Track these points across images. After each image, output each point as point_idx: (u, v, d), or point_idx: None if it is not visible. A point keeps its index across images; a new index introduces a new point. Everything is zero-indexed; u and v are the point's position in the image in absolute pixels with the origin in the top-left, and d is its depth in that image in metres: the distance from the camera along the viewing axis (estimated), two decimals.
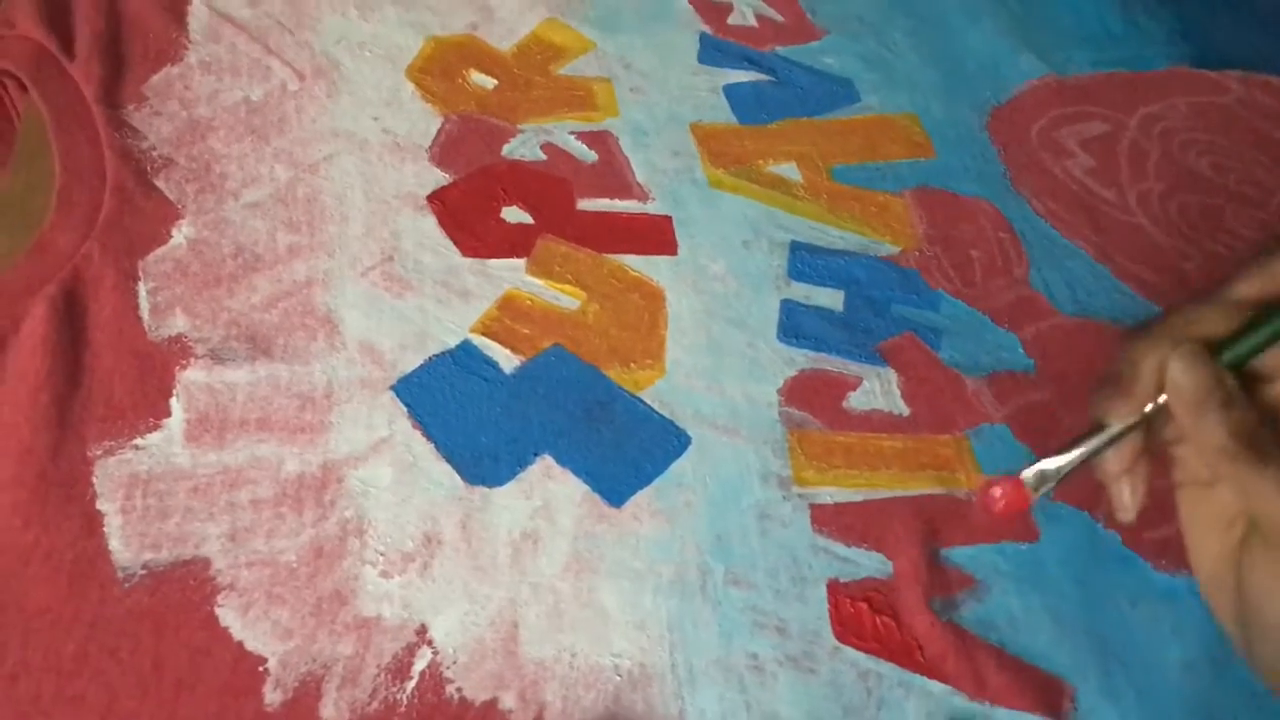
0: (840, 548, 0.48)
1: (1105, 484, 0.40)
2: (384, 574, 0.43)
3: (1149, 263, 0.62)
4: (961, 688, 0.45)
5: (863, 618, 0.46)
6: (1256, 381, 0.39)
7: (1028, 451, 0.52)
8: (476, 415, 0.48)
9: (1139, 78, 0.73)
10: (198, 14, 0.60)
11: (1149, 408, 0.38)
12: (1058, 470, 0.39)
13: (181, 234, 0.51)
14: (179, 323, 0.48)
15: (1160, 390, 0.38)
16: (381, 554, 0.44)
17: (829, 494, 0.49)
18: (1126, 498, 0.39)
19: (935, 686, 0.45)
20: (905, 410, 0.53)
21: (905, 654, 0.45)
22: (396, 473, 0.46)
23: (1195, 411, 0.36)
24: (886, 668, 0.45)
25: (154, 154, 0.53)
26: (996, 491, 0.40)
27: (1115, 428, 0.38)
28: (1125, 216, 0.64)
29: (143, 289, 0.49)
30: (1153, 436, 0.39)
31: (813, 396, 0.52)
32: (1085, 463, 0.39)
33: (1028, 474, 0.39)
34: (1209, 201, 0.66)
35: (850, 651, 0.45)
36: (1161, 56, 0.76)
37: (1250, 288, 0.38)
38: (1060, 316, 0.58)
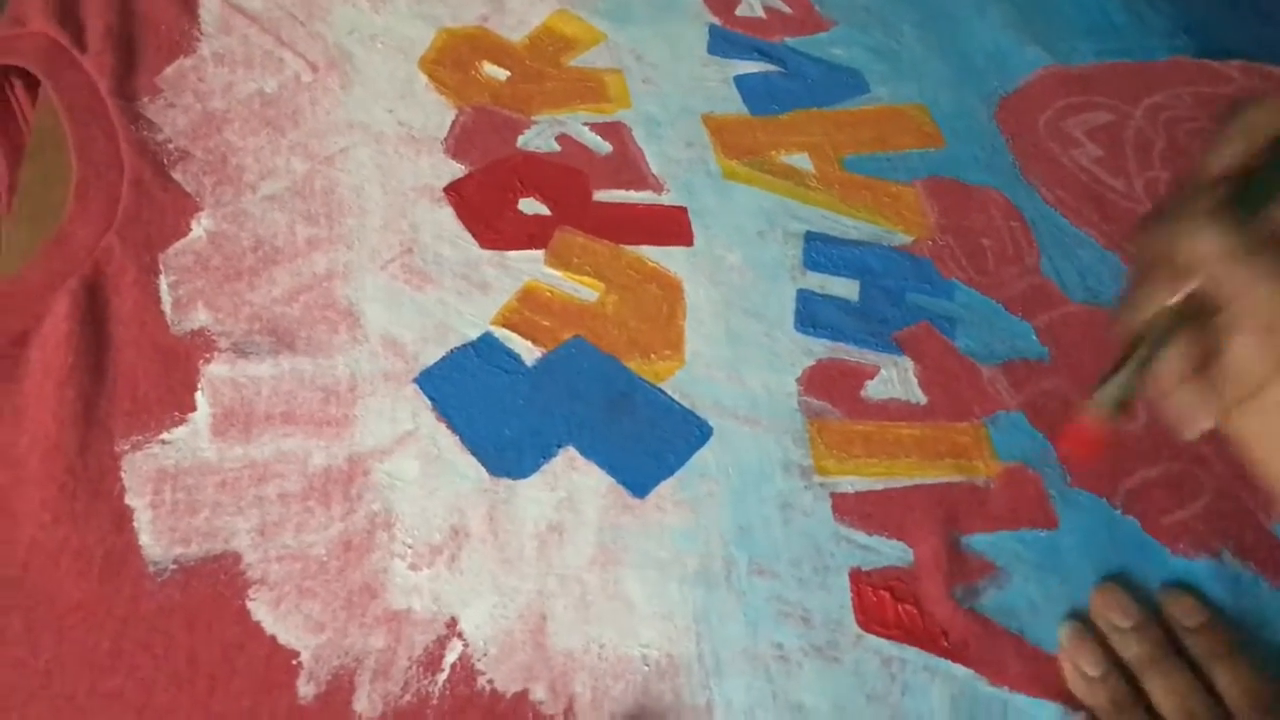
0: (862, 536, 0.48)
1: (1166, 400, 0.37)
2: (413, 566, 0.44)
3: None
4: (983, 673, 0.45)
5: (885, 606, 0.47)
6: None
7: (1044, 439, 0.53)
8: (499, 407, 0.48)
9: (1142, 68, 0.74)
10: (209, 6, 0.60)
11: (1181, 294, 0.36)
12: (1124, 387, 0.38)
13: (201, 227, 0.51)
14: (201, 316, 0.48)
15: (1185, 272, 0.35)
16: (410, 547, 0.44)
17: (849, 483, 0.50)
18: (1192, 405, 0.37)
19: (959, 670, 0.45)
20: (923, 399, 0.53)
21: (929, 640, 0.46)
22: (422, 465, 0.46)
23: (1230, 276, 0.35)
24: (910, 653, 0.45)
25: (170, 146, 0.53)
26: (1068, 444, 0.39)
27: (1157, 324, 0.37)
28: (1133, 205, 0.64)
29: (164, 282, 0.49)
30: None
31: (831, 386, 0.52)
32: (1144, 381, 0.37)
33: (1097, 401, 0.38)
34: None
35: (873, 639, 0.46)
36: (1164, 47, 0.76)
37: (1229, 154, 0.36)
38: (1072, 305, 0.58)
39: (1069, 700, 0.45)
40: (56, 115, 0.53)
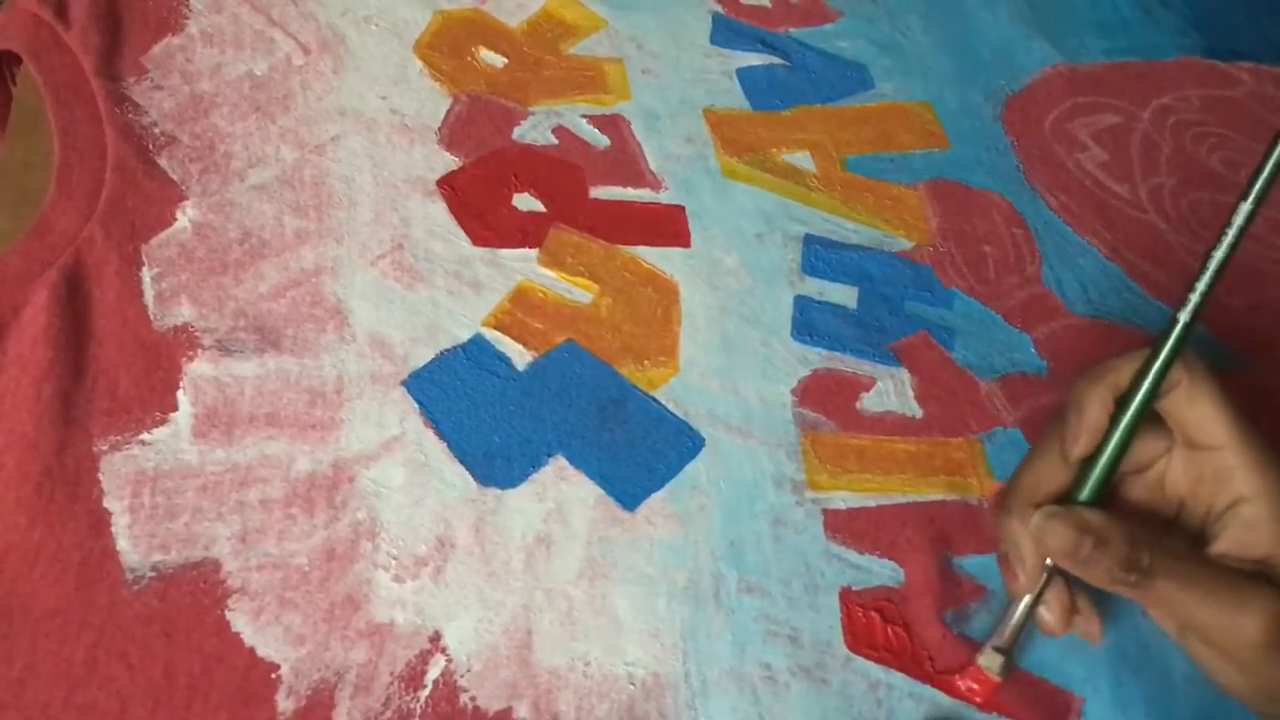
0: (853, 555, 0.48)
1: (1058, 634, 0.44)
2: (397, 579, 0.43)
3: (1160, 262, 0.61)
4: (971, 700, 0.45)
5: (874, 628, 0.46)
6: (1129, 476, 0.44)
7: None
8: (489, 413, 0.47)
9: (1151, 67, 0.73)
10: None
11: (1043, 577, 0.43)
12: (1004, 647, 0.44)
13: (186, 217, 0.49)
14: (185, 311, 0.47)
15: (1042, 560, 0.42)
16: (394, 558, 0.43)
17: (842, 499, 0.49)
18: (1085, 629, 0.45)
19: (945, 699, 0.45)
20: (918, 412, 0.52)
21: (916, 665, 0.45)
22: (409, 473, 0.45)
23: (1078, 565, 0.40)
24: (897, 678, 0.45)
25: (156, 130, 0.52)
26: (971, 686, 0.45)
27: (1029, 597, 0.43)
28: (1137, 213, 0.63)
29: (147, 275, 0.47)
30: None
31: (826, 397, 0.52)
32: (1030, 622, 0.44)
33: (984, 662, 0.44)
34: (1219, 198, 0.66)
35: (861, 662, 0.45)
36: (1173, 45, 0.75)
37: (1076, 432, 0.42)
38: (1072, 317, 0.58)
39: (1061, 718, 0.45)
40: (39, 96, 0.51)
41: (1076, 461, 0.42)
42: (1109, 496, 0.43)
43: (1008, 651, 0.44)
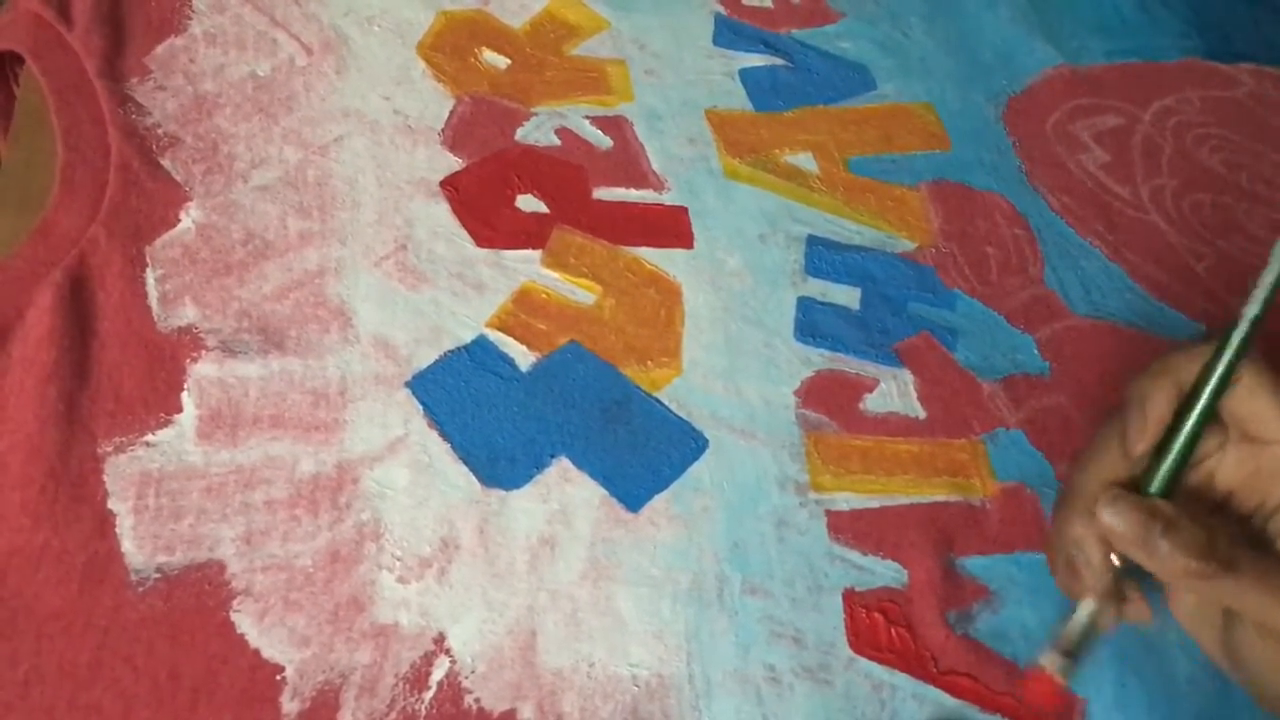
0: (857, 556, 0.48)
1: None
2: (401, 580, 0.43)
3: (1162, 263, 0.61)
4: (974, 702, 0.45)
5: (878, 629, 0.46)
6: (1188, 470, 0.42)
7: (1042, 457, 0.52)
8: (493, 415, 0.47)
9: (1152, 68, 0.73)
10: None
11: (1112, 579, 0.41)
12: (1073, 648, 0.42)
13: (190, 218, 0.49)
14: (189, 313, 0.47)
15: (1109, 558, 0.41)
16: (398, 559, 0.43)
17: (845, 500, 0.49)
18: (1143, 614, 0.43)
19: (948, 700, 0.45)
20: (922, 413, 0.52)
21: (920, 666, 0.45)
22: (413, 474, 0.45)
23: (1147, 551, 0.39)
24: (901, 679, 0.45)
25: (159, 131, 0.52)
26: (1030, 695, 0.42)
27: (1091, 606, 0.42)
28: (1139, 214, 0.64)
29: (150, 276, 0.47)
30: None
31: (829, 398, 0.52)
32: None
33: (1050, 666, 0.42)
34: (1221, 200, 0.66)
35: (865, 663, 0.45)
36: (1175, 47, 0.75)
37: (1140, 428, 0.41)
38: (1074, 318, 0.58)
39: None
40: (42, 96, 0.51)
41: (1139, 458, 0.41)
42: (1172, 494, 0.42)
43: (1074, 656, 0.42)
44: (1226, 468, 0.42)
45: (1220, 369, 0.40)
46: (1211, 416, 0.41)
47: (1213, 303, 0.60)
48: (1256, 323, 0.40)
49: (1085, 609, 0.42)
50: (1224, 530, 0.39)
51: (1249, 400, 0.40)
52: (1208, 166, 0.68)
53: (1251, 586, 0.38)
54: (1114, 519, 0.40)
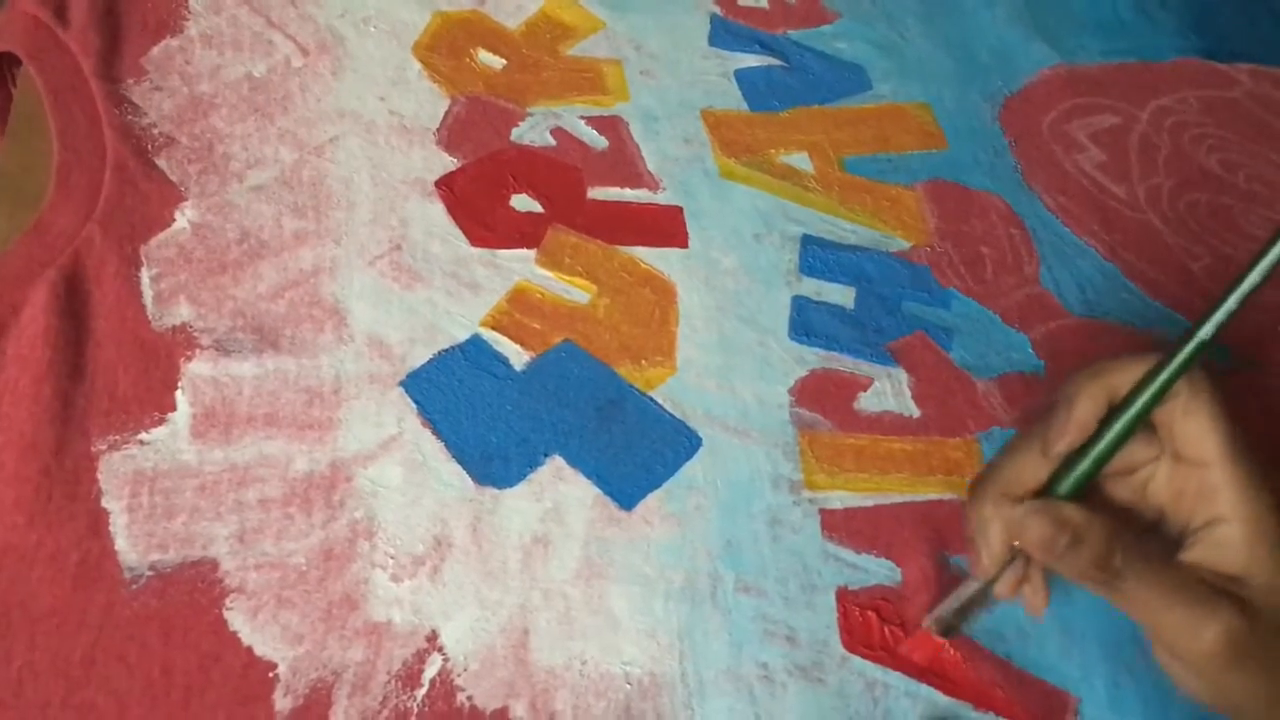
0: (850, 554, 0.48)
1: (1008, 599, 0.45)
2: (394, 578, 0.43)
3: (1158, 262, 0.61)
4: (967, 699, 0.45)
5: (871, 627, 0.46)
6: (1114, 477, 0.43)
7: None
8: (486, 413, 0.47)
9: (1149, 69, 0.73)
10: None
11: (1006, 561, 0.42)
12: (951, 615, 0.44)
13: (185, 217, 0.50)
14: (183, 312, 0.47)
15: (1011, 541, 0.42)
16: (391, 557, 0.43)
17: (839, 498, 0.49)
18: (1032, 601, 0.44)
19: (941, 698, 0.45)
20: (916, 412, 0.52)
21: (912, 664, 0.45)
22: (406, 472, 0.45)
23: (1052, 558, 0.40)
24: (894, 678, 0.45)
25: (155, 131, 0.52)
26: (912, 649, 0.45)
27: (977, 584, 0.43)
28: (1135, 214, 0.64)
29: (145, 275, 0.48)
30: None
31: (824, 397, 0.52)
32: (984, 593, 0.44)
33: (929, 624, 0.45)
34: (1218, 199, 0.66)
35: (858, 661, 0.45)
36: (1172, 47, 0.75)
37: (1063, 439, 0.41)
38: (1070, 317, 0.58)
39: (1057, 718, 0.45)
40: (38, 97, 0.52)
41: (1056, 457, 0.42)
42: (1088, 493, 0.43)
43: (955, 626, 0.44)
44: (1158, 483, 0.42)
45: (1157, 385, 0.40)
46: (1139, 428, 0.41)
47: (1209, 302, 0.60)
48: (1204, 346, 0.40)
49: (971, 586, 0.44)
50: (1125, 541, 0.39)
51: (1183, 419, 0.40)
52: (1205, 166, 0.68)
53: (1141, 595, 0.39)
54: (1027, 528, 0.40)
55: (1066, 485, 0.41)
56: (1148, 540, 0.42)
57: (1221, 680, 0.39)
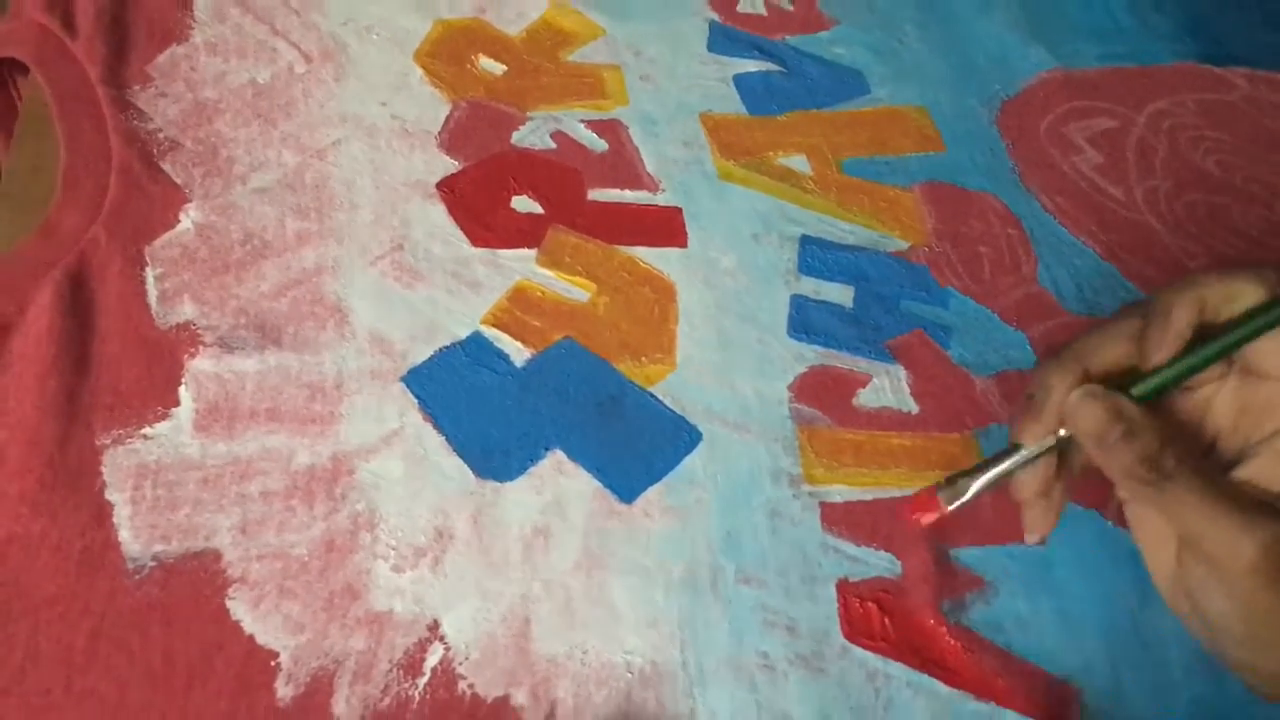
0: (850, 547, 0.48)
1: (1019, 505, 0.43)
2: (395, 569, 0.43)
3: (1156, 262, 0.62)
4: (969, 689, 0.45)
5: (872, 618, 0.46)
6: (1182, 391, 0.42)
7: None
8: (487, 408, 0.48)
9: (1146, 72, 0.73)
10: None
11: (1060, 433, 0.40)
12: (971, 486, 0.42)
13: (189, 219, 0.50)
14: (187, 310, 0.48)
15: (1062, 421, 0.40)
16: (393, 548, 0.44)
17: (838, 492, 0.49)
18: (1037, 519, 0.43)
19: (942, 688, 0.45)
20: (914, 408, 0.53)
21: (913, 655, 0.45)
22: (407, 466, 0.46)
23: (1101, 449, 0.39)
24: (895, 668, 0.45)
25: (160, 136, 0.53)
26: (912, 502, 0.43)
27: (1026, 451, 0.41)
28: (1132, 215, 0.64)
29: (150, 275, 0.48)
30: (1072, 459, 0.42)
31: (823, 393, 0.52)
32: (1005, 480, 0.42)
33: (944, 489, 0.42)
34: (1215, 200, 0.66)
35: (859, 652, 0.45)
36: (1168, 51, 0.75)
37: (1161, 339, 0.40)
38: (1068, 316, 0.58)
39: (1058, 717, 0.45)
40: (45, 102, 0.52)
41: (1153, 368, 0.40)
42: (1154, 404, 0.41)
43: (963, 491, 0.42)
44: (1222, 400, 0.41)
45: (1266, 320, 0.39)
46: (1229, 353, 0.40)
47: None
48: None
49: (999, 460, 0.42)
50: (1178, 446, 0.39)
51: (1268, 338, 0.39)
52: (1202, 168, 0.68)
53: (1186, 500, 0.38)
54: (1080, 413, 0.39)
55: (1140, 390, 0.40)
56: (1199, 457, 0.41)
57: (1255, 601, 0.37)
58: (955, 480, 0.42)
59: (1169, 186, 0.66)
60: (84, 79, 0.53)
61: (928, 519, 0.43)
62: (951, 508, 0.42)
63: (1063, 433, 0.40)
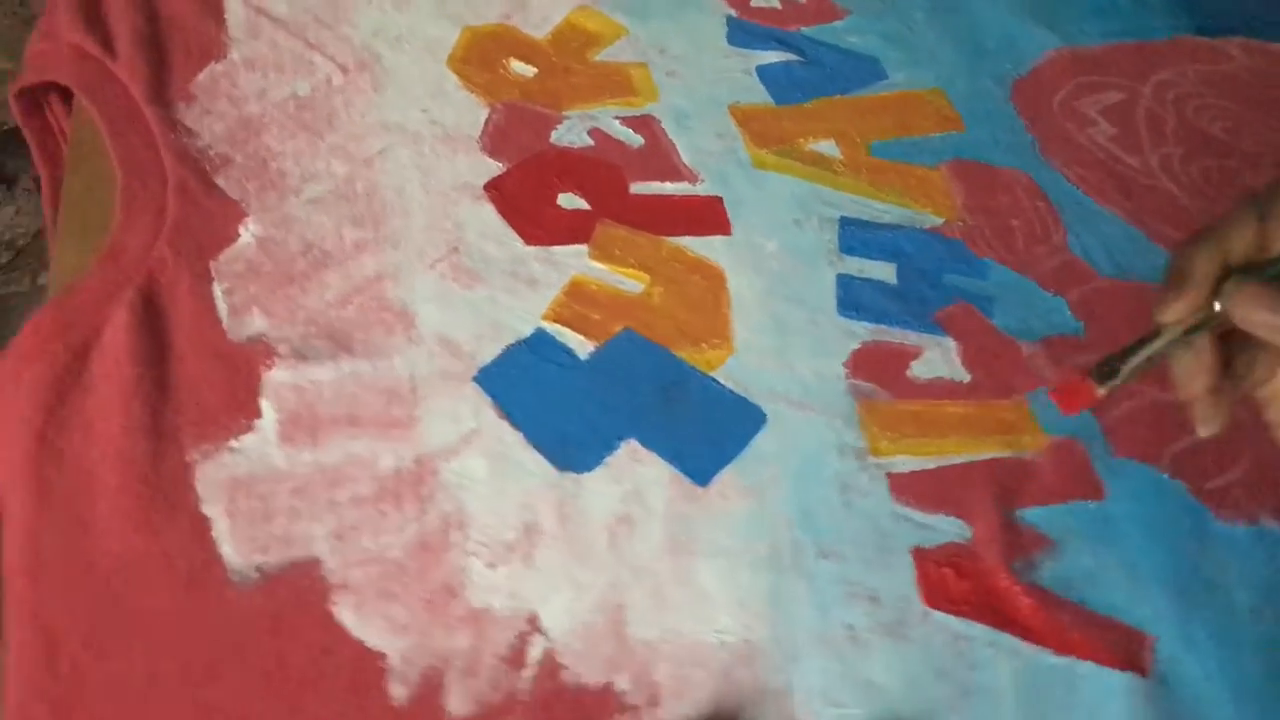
0: (920, 515, 0.49)
1: (1188, 402, 0.41)
2: (489, 565, 0.44)
3: (1179, 224, 0.63)
4: (1046, 644, 0.46)
5: (949, 583, 0.47)
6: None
7: (1085, 414, 0.54)
8: (559, 402, 0.49)
9: (1146, 47, 0.75)
10: (234, 10, 0.59)
11: (1203, 313, 0.39)
12: (1123, 368, 0.41)
13: (249, 232, 0.51)
14: (258, 323, 0.48)
15: (1213, 294, 0.39)
16: (484, 545, 0.44)
17: (903, 462, 0.51)
18: (1208, 412, 0.41)
19: (1023, 645, 0.46)
20: (966, 376, 0.54)
21: (992, 615, 0.47)
22: (489, 463, 0.46)
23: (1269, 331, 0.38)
24: (976, 629, 0.46)
25: (211, 153, 0.53)
26: (1060, 394, 0.42)
27: (1173, 331, 0.40)
28: (1151, 181, 0.66)
29: (218, 290, 0.49)
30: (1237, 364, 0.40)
31: (878, 368, 0.53)
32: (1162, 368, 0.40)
33: (1095, 370, 0.41)
34: (1226, 164, 0.68)
35: (939, 616, 0.46)
36: (1165, 27, 0.77)
37: None
38: (1102, 280, 0.60)
39: (1133, 664, 0.47)
40: (93, 126, 0.53)
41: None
42: None
43: (1115, 373, 0.41)
44: None
45: None
46: None
47: None
48: None
49: (1162, 338, 0.41)
50: None
51: None
52: (1210, 134, 0.70)
53: None
54: (1241, 293, 0.38)
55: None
56: None
57: None
58: (1106, 364, 0.41)
59: (1181, 153, 0.68)
60: (130, 100, 0.54)
61: (1081, 404, 0.42)
62: (1104, 390, 0.41)
63: (1216, 307, 0.39)
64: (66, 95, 0.56)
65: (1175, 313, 0.40)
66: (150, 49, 0.56)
